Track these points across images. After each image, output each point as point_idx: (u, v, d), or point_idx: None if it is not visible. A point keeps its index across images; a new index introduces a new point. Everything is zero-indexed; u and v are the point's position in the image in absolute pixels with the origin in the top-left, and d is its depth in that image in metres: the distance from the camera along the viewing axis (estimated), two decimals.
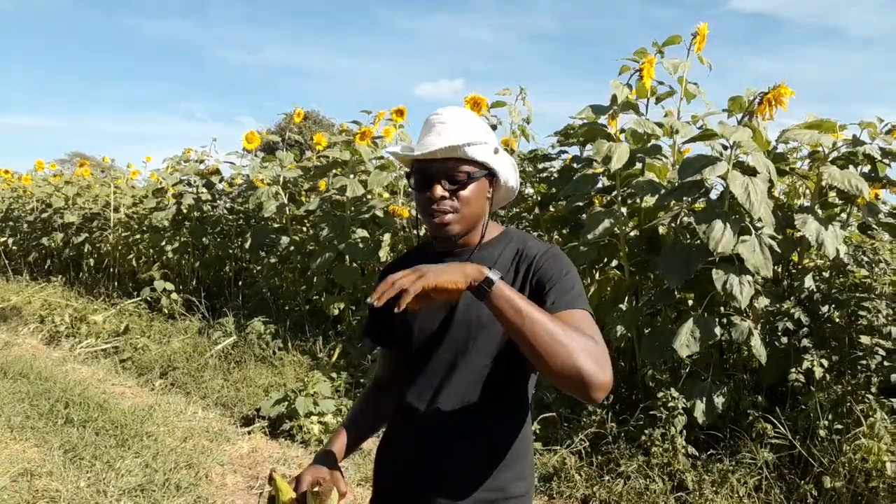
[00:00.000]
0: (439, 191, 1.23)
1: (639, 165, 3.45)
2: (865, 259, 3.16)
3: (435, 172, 1.24)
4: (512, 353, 1.24)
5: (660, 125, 3.35)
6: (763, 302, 3.04)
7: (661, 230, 3.47)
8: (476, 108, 3.96)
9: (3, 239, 9.63)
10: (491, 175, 1.29)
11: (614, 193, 3.42)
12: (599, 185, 3.53)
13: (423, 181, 1.25)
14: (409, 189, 1.34)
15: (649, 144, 3.41)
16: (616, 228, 3.28)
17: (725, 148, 3.07)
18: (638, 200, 3.54)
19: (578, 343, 1.03)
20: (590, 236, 3.23)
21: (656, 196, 3.30)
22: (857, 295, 3.11)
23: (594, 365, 1.02)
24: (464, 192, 1.24)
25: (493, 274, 1.06)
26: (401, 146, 1.32)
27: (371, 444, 2.55)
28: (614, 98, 3.28)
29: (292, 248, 5.58)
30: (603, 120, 3.47)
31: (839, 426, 2.80)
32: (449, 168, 1.23)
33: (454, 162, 1.23)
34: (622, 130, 3.51)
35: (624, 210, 3.44)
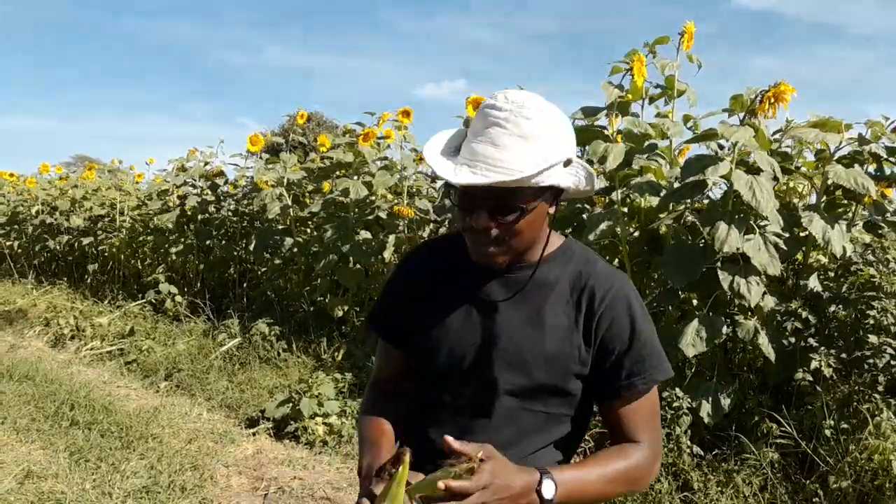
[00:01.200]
0: (484, 222, 0.98)
1: (636, 166, 3.44)
2: (873, 258, 3.14)
3: (482, 198, 0.97)
4: (571, 406, 1.08)
5: (654, 126, 3.34)
6: (769, 301, 3.02)
7: (663, 230, 3.46)
8: (476, 111, 3.96)
9: (8, 242, 9.67)
10: (558, 191, 1.03)
11: (613, 194, 3.41)
12: (598, 185, 3.52)
13: (467, 203, 0.99)
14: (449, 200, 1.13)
15: (645, 145, 3.40)
16: (617, 229, 3.28)
17: (721, 147, 3.06)
18: (638, 201, 3.53)
19: (637, 480, 1.06)
20: (591, 237, 3.22)
21: (657, 196, 3.29)
22: (865, 294, 3.09)
23: (649, 481, 1.08)
24: (517, 226, 0.99)
25: (548, 490, 0.94)
26: (441, 147, 1.02)
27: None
28: (608, 99, 3.27)
29: (296, 249, 5.59)
30: (603, 121, 3.46)
31: (845, 426, 2.79)
32: (501, 197, 0.97)
33: (509, 191, 0.96)
34: (619, 132, 3.50)
35: (624, 210, 3.43)
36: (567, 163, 1.00)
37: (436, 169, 0.99)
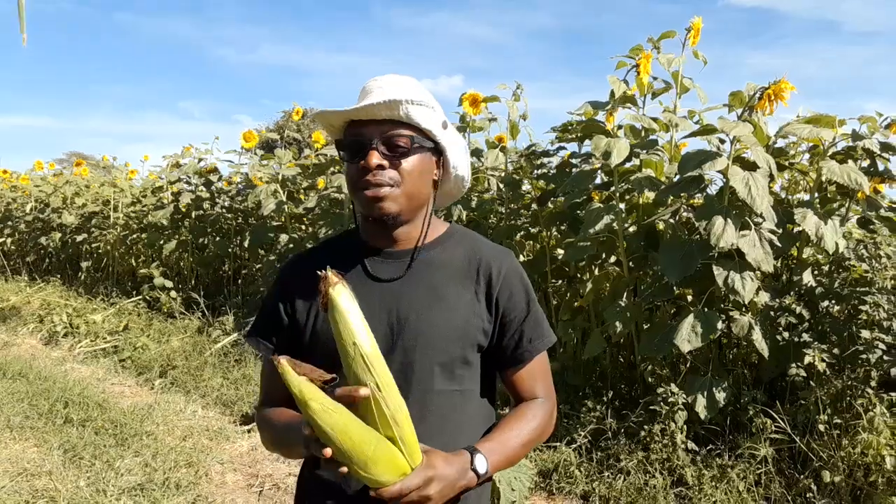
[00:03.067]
0: (375, 158, 1.02)
1: (636, 161, 3.44)
2: (866, 254, 3.15)
3: (370, 137, 1.03)
4: (477, 374, 1.13)
5: (656, 120, 3.33)
6: (763, 297, 3.04)
7: (660, 226, 3.47)
8: (474, 105, 3.94)
9: (1, 239, 9.61)
10: (438, 152, 1.10)
11: (612, 189, 3.41)
12: (598, 180, 3.52)
13: (356, 148, 1.04)
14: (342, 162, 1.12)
15: (647, 140, 3.40)
16: (614, 224, 3.28)
17: (723, 142, 3.06)
18: (636, 196, 3.53)
19: (543, 433, 1.13)
20: (589, 232, 3.22)
21: (655, 192, 3.29)
22: (858, 290, 3.11)
23: (551, 431, 1.16)
24: (405, 163, 1.04)
25: (480, 465, 1.00)
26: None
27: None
28: (612, 94, 3.27)
29: (291, 245, 5.57)
30: (600, 116, 3.46)
31: (839, 421, 2.80)
32: (387, 132, 1.03)
33: (394, 125, 1.03)
34: (619, 126, 3.50)
35: (622, 206, 3.43)
36: (444, 125, 1.08)
37: (331, 111, 1.05)
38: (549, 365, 1.19)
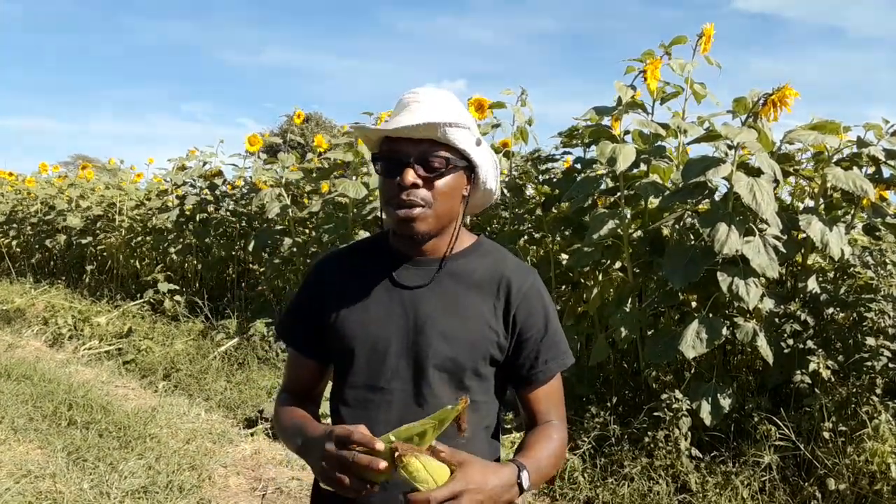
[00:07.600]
0: (411, 176, 1.03)
1: (643, 167, 3.44)
2: (871, 261, 3.14)
3: (407, 155, 1.04)
4: (490, 383, 1.14)
5: (665, 126, 3.33)
6: (768, 303, 3.03)
7: (665, 231, 3.46)
8: (479, 111, 3.95)
9: (6, 241, 9.65)
10: (470, 169, 1.11)
11: (618, 195, 3.41)
12: (603, 186, 3.52)
13: (393, 165, 1.05)
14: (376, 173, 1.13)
15: (654, 146, 3.40)
16: (620, 230, 3.28)
17: (731, 148, 3.06)
18: (642, 202, 3.53)
19: (562, 457, 1.13)
20: (594, 237, 3.22)
21: (660, 197, 3.29)
22: (863, 297, 3.10)
23: (563, 459, 1.18)
24: (440, 183, 1.05)
25: (525, 480, 1.00)
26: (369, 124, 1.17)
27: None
28: (619, 99, 3.27)
29: (295, 249, 5.59)
30: (606, 121, 3.46)
31: (843, 428, 2.79)
32: (424, 151, 1.04)
33: (431, 145, 1.04)
34: (626, 132, 3.50)
35: (628, 211, 3.42)
36: (477, 142, 1.10)
37: (371, 128, 1.08)
38: (562, 388, 1.20)
